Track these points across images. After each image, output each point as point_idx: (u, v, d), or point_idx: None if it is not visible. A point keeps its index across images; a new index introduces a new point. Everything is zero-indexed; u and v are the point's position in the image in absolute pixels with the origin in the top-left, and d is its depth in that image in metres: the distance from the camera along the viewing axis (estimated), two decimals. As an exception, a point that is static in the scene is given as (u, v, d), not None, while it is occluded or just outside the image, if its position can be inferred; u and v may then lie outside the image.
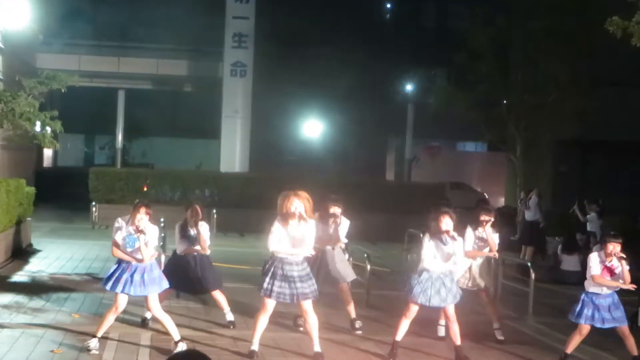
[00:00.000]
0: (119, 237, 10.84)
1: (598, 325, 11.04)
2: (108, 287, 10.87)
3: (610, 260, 10.97)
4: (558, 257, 21.82)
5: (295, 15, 40.88)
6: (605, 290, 11.05)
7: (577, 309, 11.14)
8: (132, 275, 10.75)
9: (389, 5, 49.99)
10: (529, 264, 16.72)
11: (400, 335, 11.23)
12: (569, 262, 20.85)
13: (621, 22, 15.56)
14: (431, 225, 11.13)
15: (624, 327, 11.13)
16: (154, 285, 10.89)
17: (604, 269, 10.99)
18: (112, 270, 10.97)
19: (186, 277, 12.47)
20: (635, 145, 36.04)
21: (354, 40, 40.61)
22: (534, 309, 15.31)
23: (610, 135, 35.60)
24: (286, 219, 10.53)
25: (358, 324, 12.92)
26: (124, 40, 39.21)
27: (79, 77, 22.20)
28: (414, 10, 48.46)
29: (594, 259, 11.09)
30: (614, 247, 11.00)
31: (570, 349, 11.30)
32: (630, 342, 11.20)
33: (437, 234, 11.01)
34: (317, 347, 10.88)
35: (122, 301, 10.85)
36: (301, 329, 12.19)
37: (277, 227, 10.59)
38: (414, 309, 11.14)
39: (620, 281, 10.98)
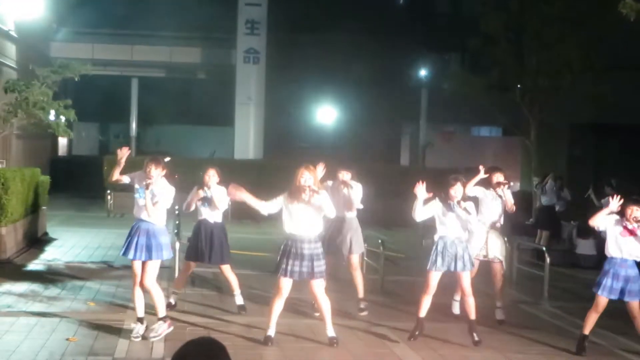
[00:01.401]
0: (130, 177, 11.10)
1: (613, 296, 10.90)
2: (121, 253, 10.84)
3: (631, 224, 10.77)
4: (573, 241, 21.79)
5: (308, 1, 40.80)
6: (625, 255, 10.89)
7: (599, 278, 11.05)
8: (140, 238, 10.65)
9: (402, -9, 49.81)
10: (544, 248, 16.67)
11: (423, 311, 11.26)
12: (585, 246, 20.81)
13: (635, 4, 15.45)
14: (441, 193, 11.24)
15: (635, 304, 10.91)
16: (158, 252, 10.69)
17: (624, 229, 10.82)
18: (126, 238, 10.87)
19: (198, 246, 12.47)
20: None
21: (367, 25, 40.50)
22: (549, 293, 15.26)
23: (625, 118, 35.42)
24: (296, 193, 10.55)
25: (364, 304, 12.87)
26: (137, 29, 39.17)
27: (92, 66, 22.29)
28: (428, -5, 48.27)
29: (606, 211, 10.91)
30: (633, 210, 10.74)
31: (587, 329, 11.19)
32: (639, 321, 11.09)
33: (446, 200, 11.08)
34: (330, 332, 10.87)
35: (136, 269, 10.75)
36: (317, 314, 12.22)
37: (280, 200, 10.64)
38: (433, 284, 11.16)
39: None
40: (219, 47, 40.27)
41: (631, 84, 34.24)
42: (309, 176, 10.52)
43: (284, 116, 41.48)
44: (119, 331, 10.99)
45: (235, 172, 29.54)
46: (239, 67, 38.53)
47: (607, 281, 10.89)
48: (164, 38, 39.76)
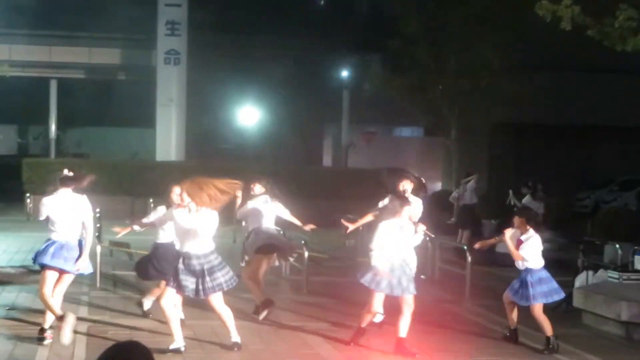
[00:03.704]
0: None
1: (523, 303, 11.36)
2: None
3: (521, 234, 11.52)
4: (494, 240, 21.99)
5: (229, 2, 40.65)
6: (536, 265, 11.46)
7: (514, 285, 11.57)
8: (61, 249, 10.53)
9: (323, -8, 49.94)
10: (465, 247, 16.84)
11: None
12: (504, 245, 21.02)
13: (550, 5, 15.69)
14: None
15: (538, 306, 11.31)
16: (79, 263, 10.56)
17: (518, 241, 11.51)
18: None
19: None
20: (568, 128, 36.53)
21: (289, 26, 40.49)
22: (470, 292, 15.42)
23: (543, 118, 36.01)
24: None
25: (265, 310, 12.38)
26: (55, 29, 38.61)
27: (10, 67, 21.91)
28: (349, -4, 48.48)
29: (508, 234, 11.68)
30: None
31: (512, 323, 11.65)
32: (547, 324, 11.36)
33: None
34: (234, 337, 10.64)
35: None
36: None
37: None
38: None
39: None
40: (139, 48, 39.92)
41: (549, 84, 34.83)
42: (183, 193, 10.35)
43: (206, 117, 41.28)
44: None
45: (157, 174, 29.50)
46: (159, 69, 38.21)
47: (519, 288, 11.56)
48: (83, 39, 39.29)
